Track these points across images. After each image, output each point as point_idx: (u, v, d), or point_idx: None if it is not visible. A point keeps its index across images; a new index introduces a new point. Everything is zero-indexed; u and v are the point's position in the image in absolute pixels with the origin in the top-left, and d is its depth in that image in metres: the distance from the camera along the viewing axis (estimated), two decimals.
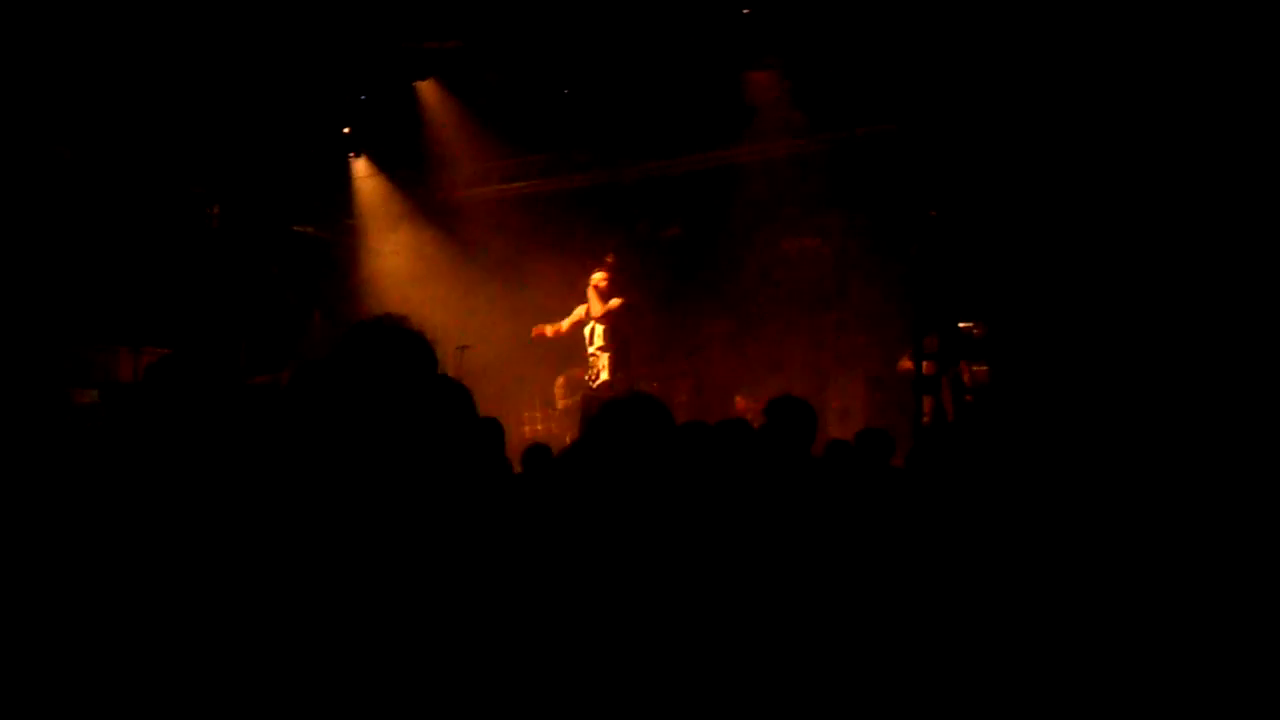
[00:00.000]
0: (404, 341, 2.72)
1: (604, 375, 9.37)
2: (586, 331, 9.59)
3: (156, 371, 2.59)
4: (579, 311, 9.81)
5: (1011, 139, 7.89)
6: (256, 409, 2.78)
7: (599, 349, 9.45)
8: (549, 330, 9.95)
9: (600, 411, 3.07)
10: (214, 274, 11.39)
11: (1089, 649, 3.10)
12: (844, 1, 8.26)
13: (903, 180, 9.23)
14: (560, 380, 11.09)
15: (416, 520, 2.30)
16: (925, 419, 7.71)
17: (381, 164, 12.12)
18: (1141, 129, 7.06)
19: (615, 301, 9.39)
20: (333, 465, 2.32)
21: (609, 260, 10.21)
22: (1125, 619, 3.24)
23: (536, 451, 6.02)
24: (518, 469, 5.76)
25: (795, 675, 2.89)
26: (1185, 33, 6.85)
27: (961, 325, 8.19)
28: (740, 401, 10.71)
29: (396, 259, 12.30)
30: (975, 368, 8.23)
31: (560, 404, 11.10)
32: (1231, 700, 2.87)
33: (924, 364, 7.91)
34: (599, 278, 9.46)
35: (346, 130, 11.63)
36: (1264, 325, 6.45)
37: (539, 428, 11.32)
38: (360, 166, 12.20)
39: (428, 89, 10.77)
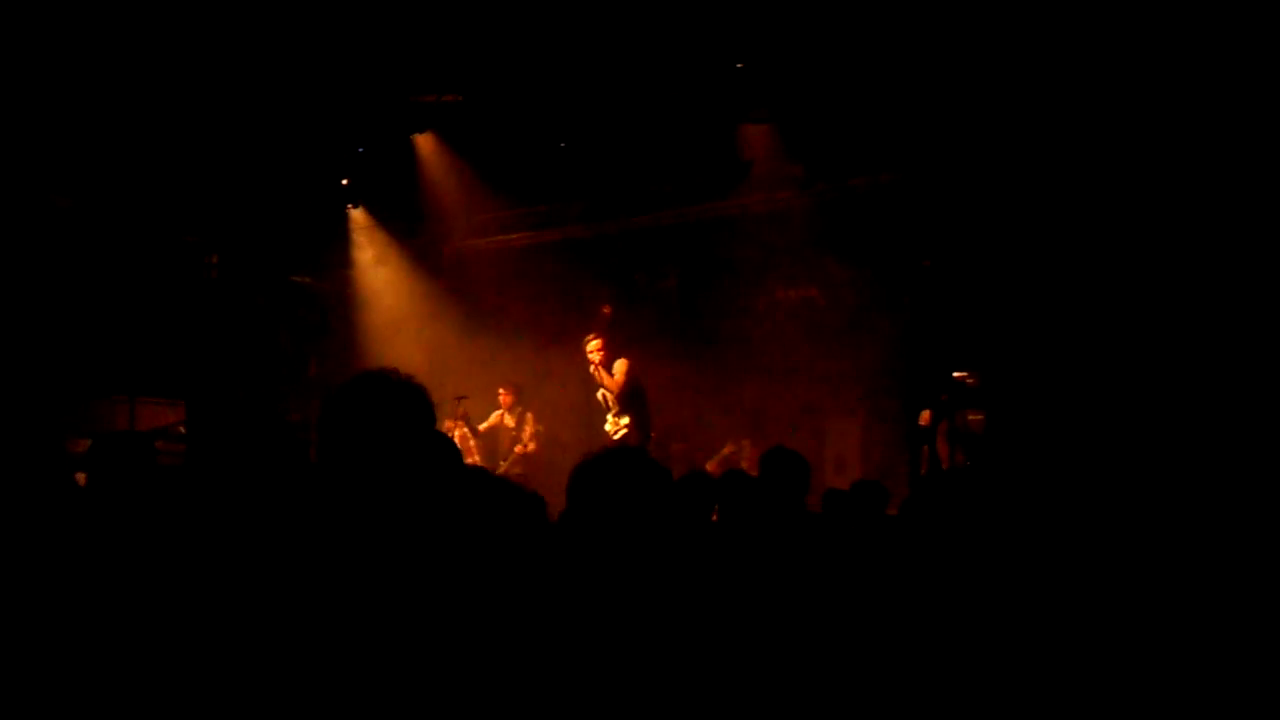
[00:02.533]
0: (404, 394, 2.74)
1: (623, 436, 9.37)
2: (600, 396, 9.59)
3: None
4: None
5: (1005, 189, 7.97)
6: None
7: (615, 416, 9.43)
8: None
9: (586, 471, 3.04)
10: (212, 324, 11.42)
11: (1085, 698, 3.09)
12: (836, 56, 8.33)
13: (897, 231, 9.30)
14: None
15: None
16: (923, 469, 7.71)
17: (379, 215, 12.19)
18: (1128, 184, 7.14)
19: (620, 366, 9.37)
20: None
21: (605, 311, 10.23)
22: (1121, 667, 3.23)
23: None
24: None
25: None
26: (1167, 91, 6.95)
27: (956, 375, 8.22)
28: (729, 449, 10.70)
29: (394, 310, 12.33)
30: (971, 417, 8.24)
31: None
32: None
33: (921, 414, 7.93)
34: (594, 348, 9.41)
35: (345, 181, 11.70)
36: (1252, 376, 6.50)
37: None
38: (358, 217, 12.25)
39: (425, 142, 10.86)
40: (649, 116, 9.55)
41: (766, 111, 9.56)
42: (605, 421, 9.56)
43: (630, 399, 9.40)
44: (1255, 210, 6.67)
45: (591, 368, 9.42)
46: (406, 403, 2.68)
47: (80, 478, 3.60)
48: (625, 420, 9.33)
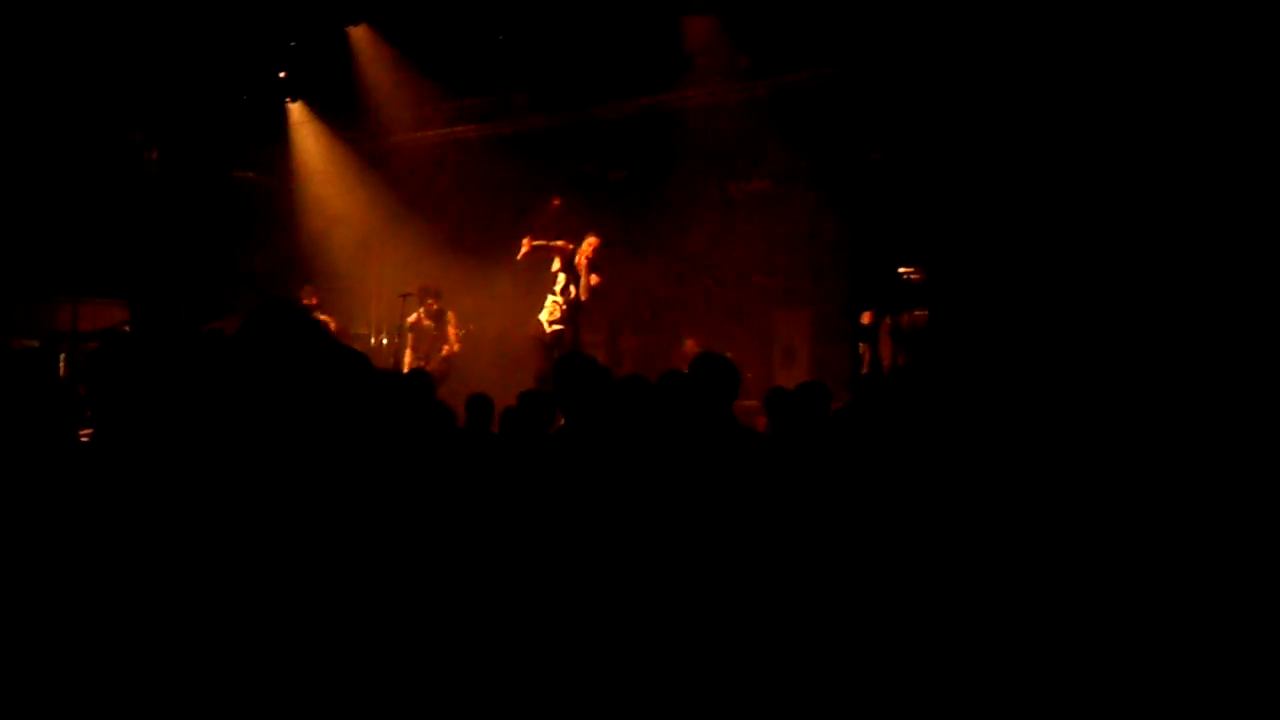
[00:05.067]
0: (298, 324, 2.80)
1: (558, 325, 9.40)
2: (559, 277, 9.55)
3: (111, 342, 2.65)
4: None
5: (956, 85, 7.83)
6: (205, 363, 2.81)
7: (569, 301, 9.44)
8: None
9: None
10: (153, 222, 11.23)
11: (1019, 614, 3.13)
12: None
13: (847, 123, 9.16)
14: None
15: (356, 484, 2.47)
16: (864, 368, 7.71)
17: (318, 110, 11.90)
18: (1078, 88, 7.03)
19: (594, 279, 9.40)
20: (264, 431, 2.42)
21: (555, 203, 10.09)
22: (1054, 582, 3.27)
23: (478, 402, 5.97)
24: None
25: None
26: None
27: (901, 271, 8.18)
28: (690, 343, 10.71)
29: (334, 206, 12.11)
30: (915, 313, 8.22)
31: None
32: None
33: (863, 313, 7.90)
34: (588, 246, 9.44)
35: (282, 75, 11.37)
36: (1198, 274, 6.50)
37: None
38: (296, 111, 11.95)
39: (360, 34, 10.52)
40: (589, 4, 9.27)
41: (710, 2, 9.31)
42: (545, 307, 9.57)
43: (593, 294, 9.48)
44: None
45: (580, 257, 9.39)
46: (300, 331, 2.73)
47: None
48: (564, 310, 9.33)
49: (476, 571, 2.95)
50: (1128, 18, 6.77)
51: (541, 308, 9.65)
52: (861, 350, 7.68)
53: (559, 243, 9.50)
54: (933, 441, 4.17)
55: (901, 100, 8.35)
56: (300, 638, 2.19)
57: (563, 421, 4.43)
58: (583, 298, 9.44)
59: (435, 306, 10.26)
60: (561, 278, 9.52)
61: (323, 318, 10.21)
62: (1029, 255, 7.25)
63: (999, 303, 7.35)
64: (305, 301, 10.36)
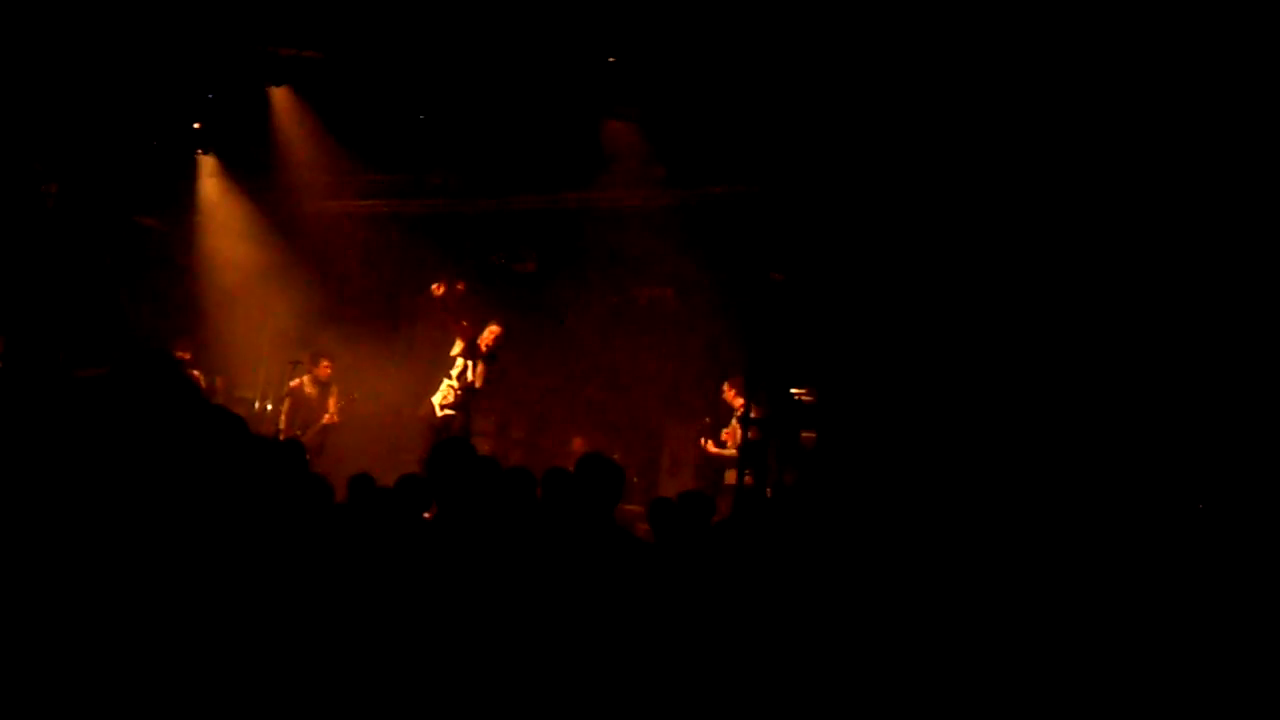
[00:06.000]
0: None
1: (450, 410, 9.29)
2: (457, 361, 9.46)
3: None
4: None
5: (862, 215, 8.07)
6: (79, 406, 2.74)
7: (464, 386, 9.35)
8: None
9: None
10: (44, 257, 10.87)
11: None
12: (706, 64, 8.30)
13: (752, 241, 9.33)
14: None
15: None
16: (748, 480, 7.74)
17: (229, 164, 11.75)
18: (962, 221, 7.33)
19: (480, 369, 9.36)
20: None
21: (460, 288, 10.06)
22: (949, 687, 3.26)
23: (360, 481, 5.83)
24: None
25: None
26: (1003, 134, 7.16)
27: (794, 392, 8.27)
28: (578, 442, 10.68)
29: (236, 264, 11.88)
30: (804, 434, 8.30)
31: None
32: None
33: (751, 429, 7.95)
34: (489, 334, 9.45)
35: (197, 126, 11.22)
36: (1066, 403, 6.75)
37: None
38: (208, 164, 11.78)
39: (281, 96, 10.46)
40: (515, 98, 9.38)
41: (634, 110, 9.49)
42: (439, 390, 9.47)
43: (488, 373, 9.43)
44: (1076, 239, 6.93)
45: (481, 344, 9.40)
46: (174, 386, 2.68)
47: None
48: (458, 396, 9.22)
49: (314, 653, 2.83)
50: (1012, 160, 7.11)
51: (435, 390, 9.54)
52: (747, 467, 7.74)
53: (463, 324, 9.44)
54: (808, 562, 4.18)
55: (807, 224, 8.56)
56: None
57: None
58: (478, 384, 9.37)
59: (326, 374, 10.10)
60: (460, 362, 9.44)
61: (195, 374, 9.95)
62: (919, 388, 7.43)
63: (887, 429, 7.49)
64: (179, 355, 10.10)
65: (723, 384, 9.28)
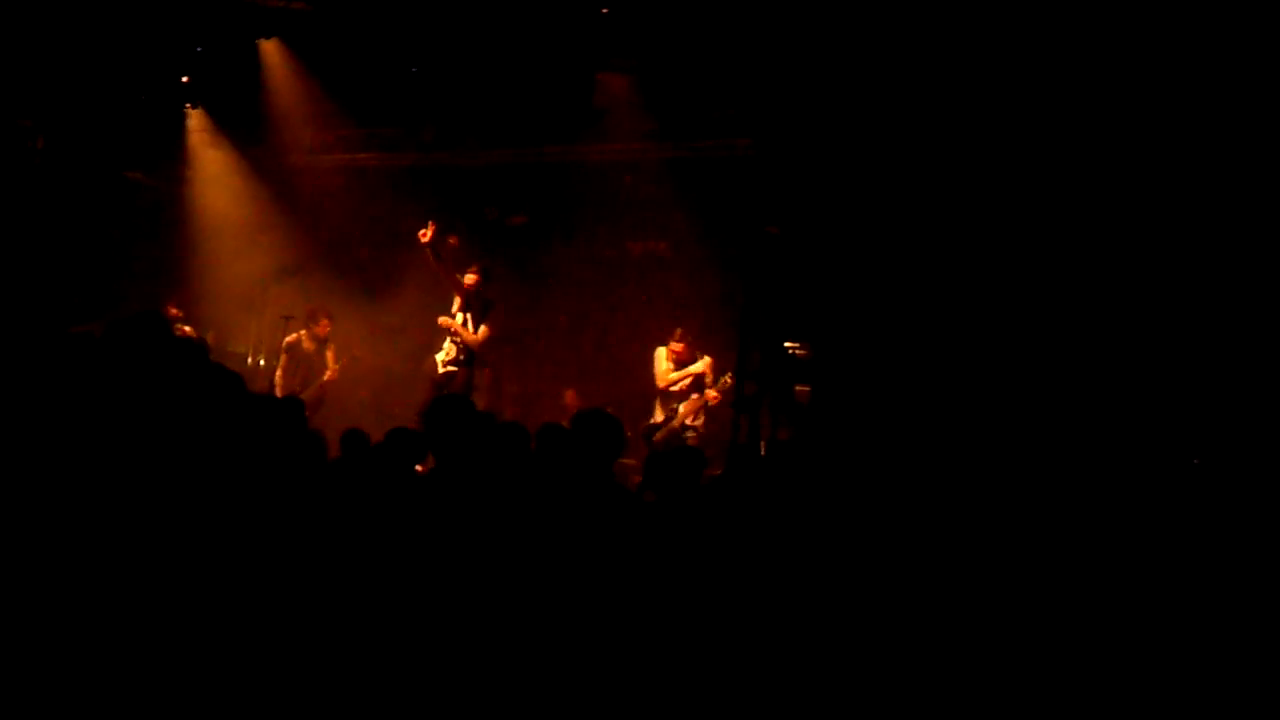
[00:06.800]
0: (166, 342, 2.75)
1: (452, 367, 9.24)
2: (458, 316, 9.37)
3: None
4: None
5: (856, 168, 8.02)
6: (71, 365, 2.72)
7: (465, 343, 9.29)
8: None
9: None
10: (32, 213, 10.81)
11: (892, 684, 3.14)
12: (701, 15, 8.22)
13: (747, 195, 9.28)
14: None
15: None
16: (741, 438, 7.72)
17: (218, 118, 11.64)
18: (968, 175, 7.29)
19: (483, 331, 9.25)
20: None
21: (452, 242, 9.98)
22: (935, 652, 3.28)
23: (354, 437, 5.84)
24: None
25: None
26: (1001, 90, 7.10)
27: (788, 345, 8.25)
28: (570, 396, 10.67)
29: (226, 218, 11.82)
30: (798, 388, 8.28)
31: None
32: None
33: (746, 383, 7.93)
34: (471, 280, 9.24)
35: (185, 79, 11.11)
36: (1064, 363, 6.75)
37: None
38: (197, 118, 11.67)
39: (271, 48, 10.34)
40: (507, 50, 9.28)
41: (630, 63, 9.39)
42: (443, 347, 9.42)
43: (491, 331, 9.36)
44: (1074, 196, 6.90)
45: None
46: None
47: None
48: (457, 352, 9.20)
49: (314, 610, 2.84)
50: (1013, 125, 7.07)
51: (430, 345, 9.48)
52: (741, 421, 7.71)
53: (455, 277, 9.33)
54: (800, 519, 4.19)
55: (803, 178, 8.51)
56: (140, 670, 2.09)
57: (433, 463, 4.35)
58: (480, 343, 9.28)
59: (325, 331, 10.03)
60: (460, 316, 9.36)
61: (186, 330, 9.90)
62: (914, 343, 7.43)
63: (882, 384, 7.49)
64: (170, 313, 10.05)
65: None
